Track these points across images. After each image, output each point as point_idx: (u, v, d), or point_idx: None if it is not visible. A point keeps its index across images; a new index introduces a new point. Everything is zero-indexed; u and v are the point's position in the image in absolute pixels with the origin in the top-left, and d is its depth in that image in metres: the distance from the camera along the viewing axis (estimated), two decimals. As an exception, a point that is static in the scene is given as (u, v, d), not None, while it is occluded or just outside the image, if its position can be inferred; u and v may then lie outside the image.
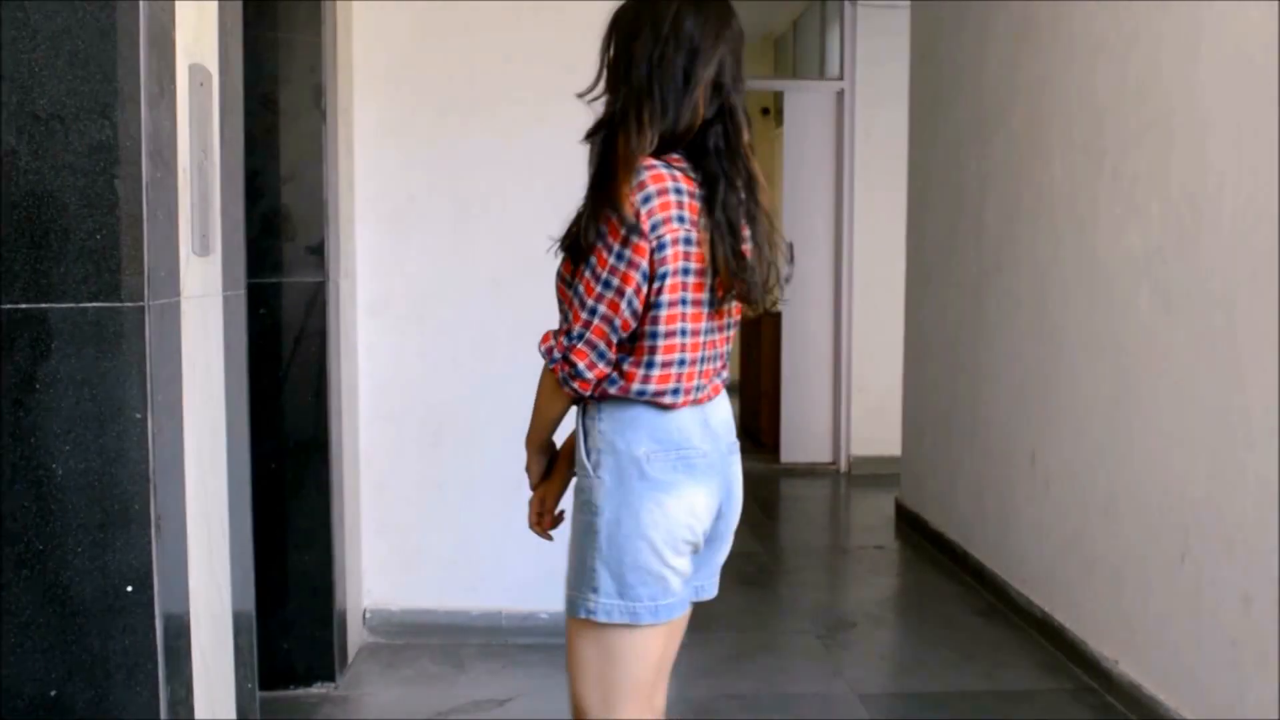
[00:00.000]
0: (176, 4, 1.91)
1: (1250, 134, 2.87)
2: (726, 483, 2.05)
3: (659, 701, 2.17)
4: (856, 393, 7.15)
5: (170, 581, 1.86)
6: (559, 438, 2.14)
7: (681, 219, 1.90)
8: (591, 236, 1.88)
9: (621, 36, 1.95)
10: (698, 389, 2.00)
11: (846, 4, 7.04)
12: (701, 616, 4.15)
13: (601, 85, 1.97)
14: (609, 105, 1.95)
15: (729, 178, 1.93)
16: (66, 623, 1.78)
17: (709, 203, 1.92)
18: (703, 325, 1.97)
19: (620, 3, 1.99)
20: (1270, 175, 2.77)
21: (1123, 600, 3.51)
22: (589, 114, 1.98)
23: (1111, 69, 3.60)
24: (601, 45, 1.98)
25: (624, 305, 1.89)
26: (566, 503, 2.10)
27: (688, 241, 1.90)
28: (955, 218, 5.09)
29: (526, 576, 3.84)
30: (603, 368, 1.93)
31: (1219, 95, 3.03)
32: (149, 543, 1.79)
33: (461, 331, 3.93)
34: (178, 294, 1.92)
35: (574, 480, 2.04)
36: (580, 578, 1.97)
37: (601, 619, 1.96)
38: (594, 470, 1.96)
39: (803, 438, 7.29)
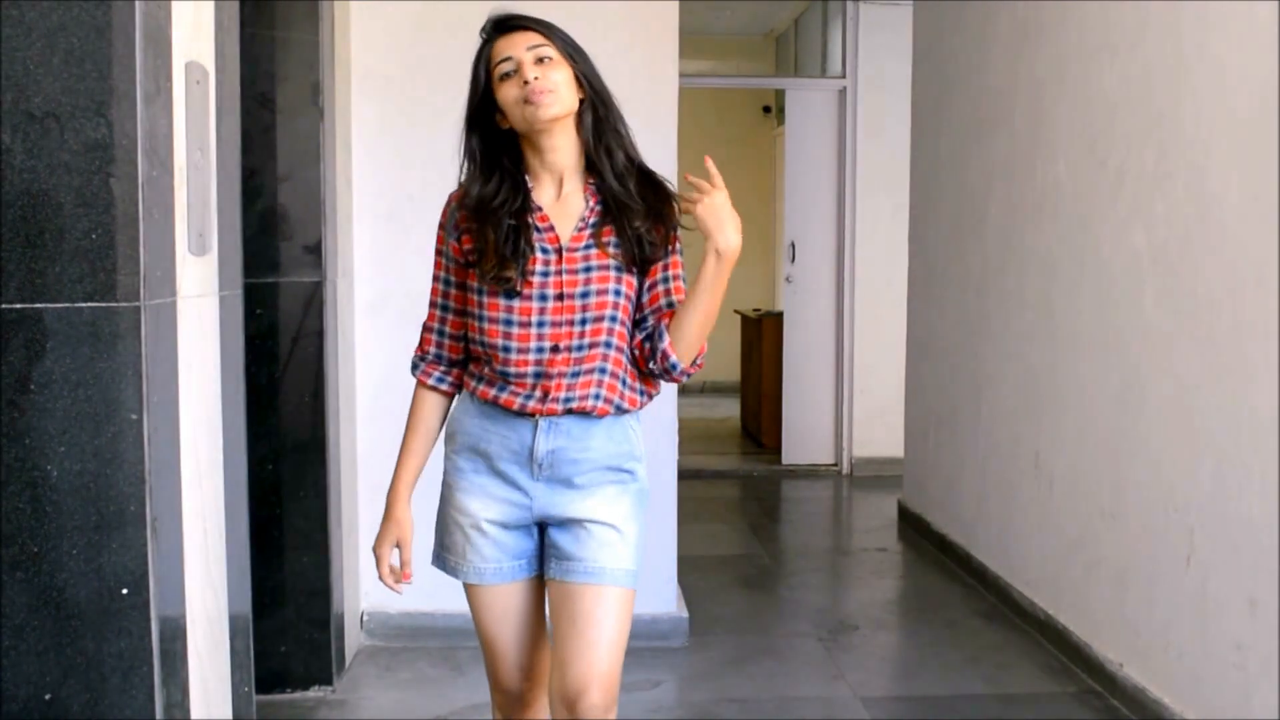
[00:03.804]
0: (173, 2, 1.90)
1: (1253, 132, 2.85)
2: None
3: None
4: (858, 394, 7.13)
5: (166, 584, 1.85)
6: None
7: None
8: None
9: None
10: None
11: (848, 2, 7.02)
12: (702, 619, 4.19)
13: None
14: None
15: None
16: (62, 625, 1.77)
17: None
18: None
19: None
20: (1273, 174, 2.75)
21: (1127, 603, 3.49)
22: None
23: (1115, 67, 3.58)
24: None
25: None
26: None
27: None
28: (958, 217, 5.08)
29: (526, 578, 3.82)
30: None
31: (1222, 93, 3.01)
32: (144, 545, 1.77)
33: (461, 332, 3.90)
34: (174, 294, 1.90)
35: (617, 474, 2.15)
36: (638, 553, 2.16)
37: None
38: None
39: (804, 439, 7.27)
